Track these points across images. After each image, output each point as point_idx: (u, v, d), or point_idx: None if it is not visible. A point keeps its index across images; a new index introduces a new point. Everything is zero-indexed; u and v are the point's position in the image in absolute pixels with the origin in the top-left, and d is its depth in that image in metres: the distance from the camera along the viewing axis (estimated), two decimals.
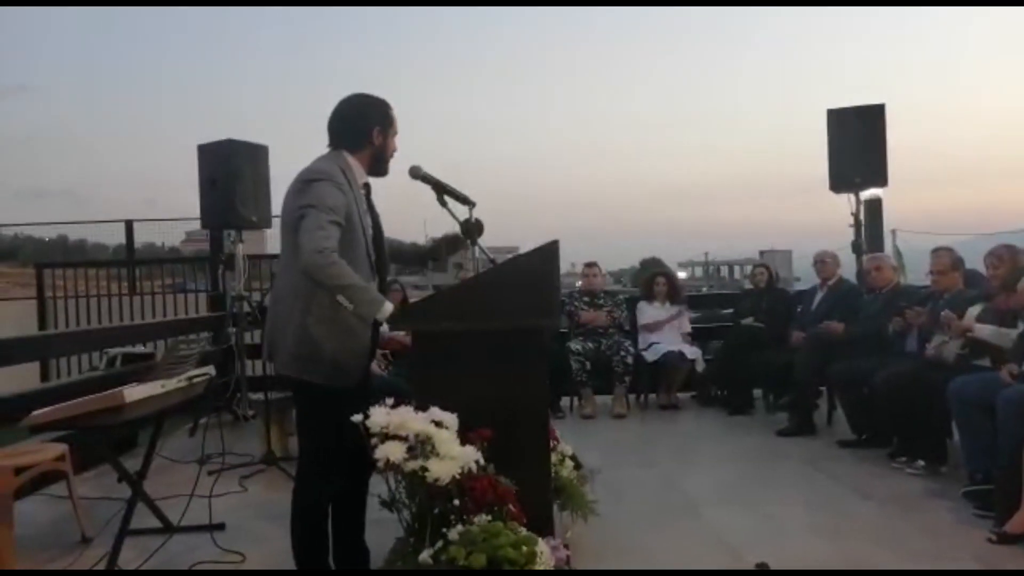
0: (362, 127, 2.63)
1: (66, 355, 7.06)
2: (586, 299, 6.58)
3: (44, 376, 7.53)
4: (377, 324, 2.55)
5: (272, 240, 9.87)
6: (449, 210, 2.77)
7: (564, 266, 2.69)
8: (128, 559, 3.02)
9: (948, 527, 3.40)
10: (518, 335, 2.41)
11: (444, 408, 2.22)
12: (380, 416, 2.08)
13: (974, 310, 4.16)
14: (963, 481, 3.76)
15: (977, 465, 3.67)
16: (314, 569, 2.62)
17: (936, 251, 4.72)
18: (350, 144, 2.64)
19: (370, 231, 2.66)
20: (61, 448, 3.50)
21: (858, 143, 6.03)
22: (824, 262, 5.81)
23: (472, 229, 2.78)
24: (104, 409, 2.81)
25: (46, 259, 12.46)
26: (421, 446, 2.05)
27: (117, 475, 3.87)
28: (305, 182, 2.49)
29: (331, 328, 2.50)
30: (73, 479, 3.55)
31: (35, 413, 2.80)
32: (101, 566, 2.90)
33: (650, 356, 6.27)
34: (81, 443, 3.81)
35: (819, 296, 5.79)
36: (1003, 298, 3.95)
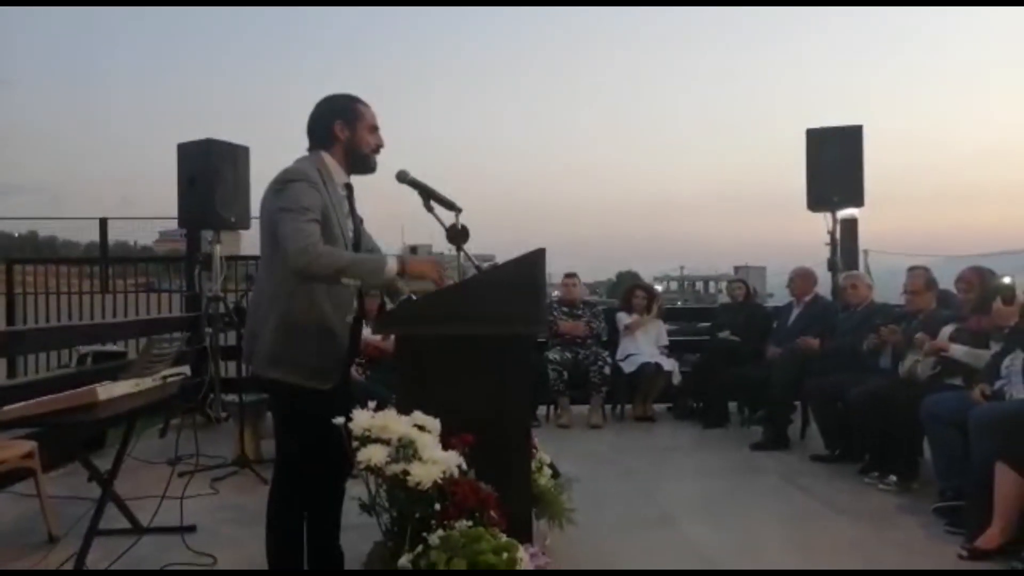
0: (325, 124, 2.62)
1: (37, 352, 6.92)
2: (565, 309, 6.60)
3: (11, 374, 7.37)
4: (359, 323, 2.53)
5: (248, 241, 9.78)
6: (435, 215, 2.76)
7: None
8: (96, 559, 2.96)
9: (920, 543, 3.44)
10: (503, 342, 2.41)
11: (425, 413, 2.21)
12: (363, 419, 2.06)
13: (947, 330, 4.22)
14: (934, 497, 3.80)
15: (948, 482, 3.72)
16: (290, 570, 2.58)
17: (912, 270, 4.80)
18: (321, 143, 2.63)
19: (350, 233, 2.63)
20: (30, 445, 3.43)
21: (836, 163, 6.13)
22: (794, 281, 5.88)
23: (458, 235, 2.77)
24: (77, 406, 2.75)
25: (16, 255, 12.23)
26: (403, 450, 2.03)
27: (87, 475, 3.80)
28: (280, 183, 2.49)
29: (308, 330, 2.48)
30: (41, 477, 3.47)
31: (5, 408, 2.74)
32: (68, 566, 2.84)
33: (627, 367, 6.28)
34: (50, 441, 3.73)
35: (795, 312, 5.86)
36: (975, 319, 4.03)
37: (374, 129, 2.67)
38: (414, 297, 2.59)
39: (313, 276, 2.41)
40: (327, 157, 2.62)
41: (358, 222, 2.75)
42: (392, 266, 2.44)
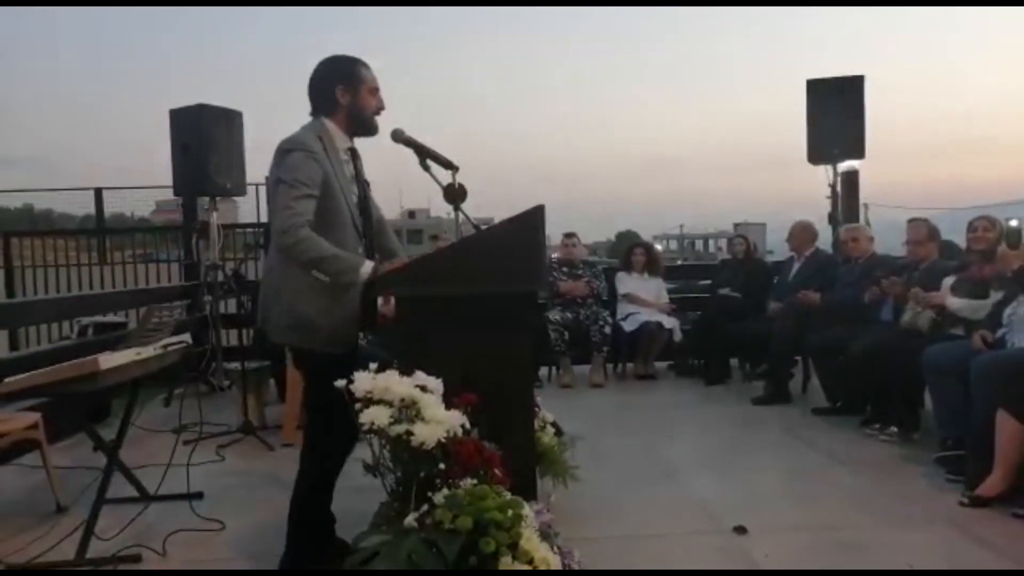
0: (327, 89, 2.61)
1: (37, 323, 6.91)
2: (564, 269, 6.58)
3: (13, 347, 7.38)
4: (370, 289, 2.54)
5: (246, 210, 9.72)
6: (432, 175, 2.73)
7: None
8: (105, 527, 2.98)
9: (921, 492, 3.47)
10: (504, 300, 2.39)
11: (428, 374, 2.20)
12: (364, 381, 2.06)
13: (948, 281, 4.21)
14: (935, 447, 3.83)
15: (949, 431, 3.74)
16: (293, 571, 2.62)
17: (913, 221, 4.77)
18: (323, 109, 2.62)
19: (354, 197, 2.64)
20: (34, 417, 3.44)
21: (836, 115, 6.07)
22: (798, 233, 5.85)
23: (455, 194, 2.74)
24: (79, 376, 2.74)
25: (12, 228, 12.17)
26: (406, 410, 2.03)
27: (92, 445, 3.83)
28: (280, 152, 2.50)
29: (319, 296, 2.51)
30: (47, 448, 3.49)
31: (7, 380, 2.74)
32: (77, 535, 2.85)
33: (628, 326, 6.29)
34: (55, 413, 3.74)
35: (796, 266, 5.84)
36: (977, 268, 4.01)
37: (375, 91, 2.66)
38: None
39: (290, 258, 2.44)
40: (329, 123, 2.61)
41: (364, 186, 2.74)
42: (365, 271, 2.44)
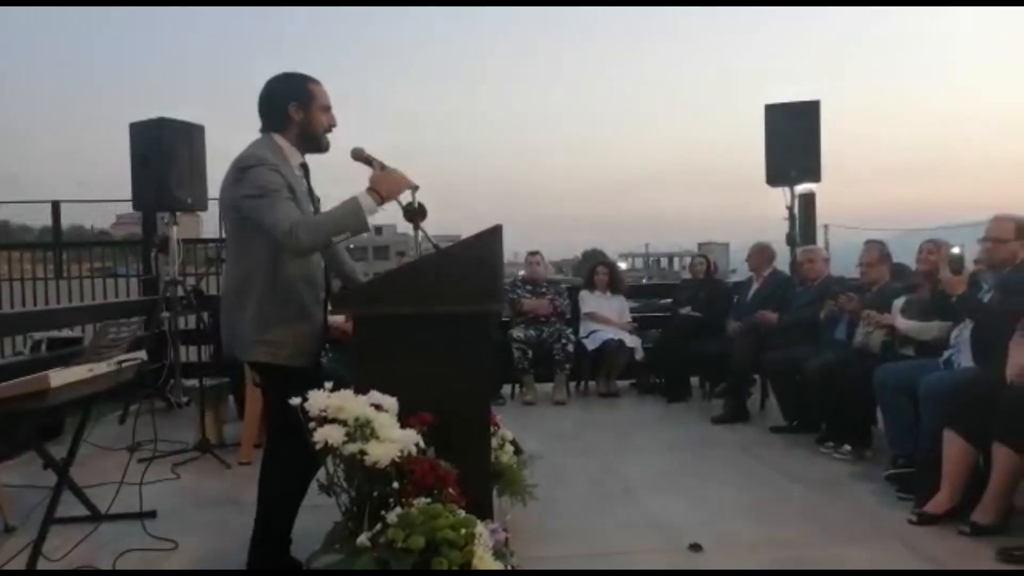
0: (279, 106, 2.59)
1: None
2: (528, 287, 6.61)
3: None
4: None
5: (207, 224, 9.60)
6: None
7: (506, 255, 2.69)
8: (54, 547, 2.91)
9: (872, 508, 3.54)
10: (461, 320, 2.41)
11: (384, 393, 2.21)
12: (319, 399, 2.05)
13: (899, 302, 4.32)
14: (886, 465, 3.91)
15: (900, 449, 3.83)
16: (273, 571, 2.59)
17: (867, 243, 4.90)
18: (275, 126, 2.61)
19: (311, 210, 2.63)
20: None
21: (794, 138, 6.20)
22: (755, 254, 5.95)
23: (415, 213, 2.75)
24: (28, 393, 2.67)
25: None
26: (360, 429, 2.03)
27: (42, 462, 3.73)
28: (240, 170, 2.47)
29: (286, 312, 2.51)
30: None
31: None
32: (25, 554, 2.78)
33: (591, 344, 6.33)
34: (4, 430, 3.64)
35: (754, 287, 5.94)
36: (926, 289, 4.11)
37: (327, 109, 2.65)
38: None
39: (312, 250, 2.46)
40: (280, 139, 2.60)
41: (316, 201, 2.74)
42: (369, 203, 2.44)
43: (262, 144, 2.57)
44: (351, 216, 2.42)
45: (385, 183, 2.51)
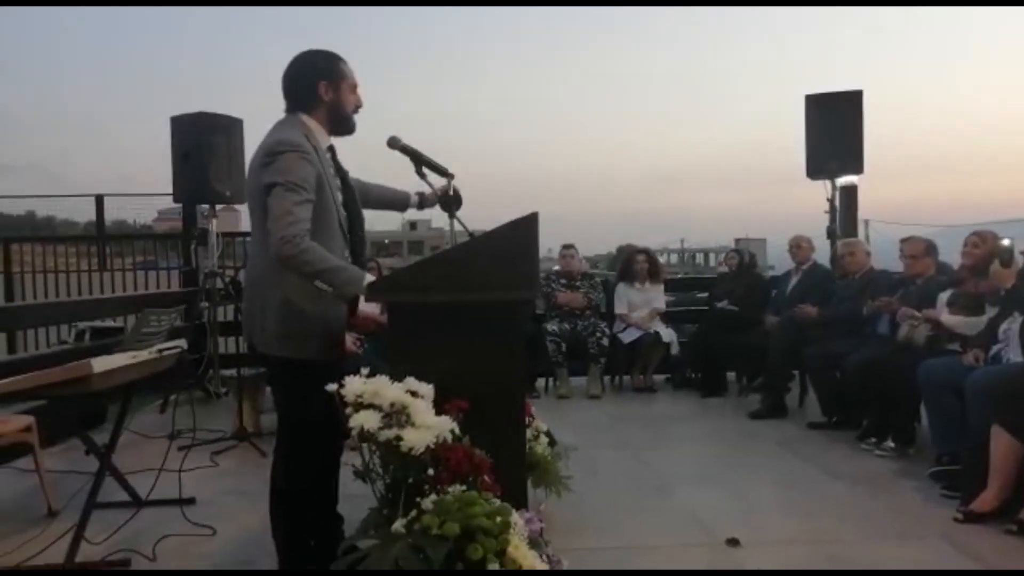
0: (308, 84, 2.50)
1: (34, 327, 6.92)
2: (563, 281, 6.58)
3: (11, 350, 7.38)
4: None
5: (246, 218, 9.71)
6: (428, 182, 2.73)
7: (541, 250, 2.65)
8: (95, 532, 2.97)
9: (915, 506, 3.46)
10: (496, 307, 2.38)
11: (419, 380, 2.19)
12: (355, 385, 2.05)
13: (944, 296, 4.21)
14: (930, 462, 3.83)
15: (944, 446, 3.74)
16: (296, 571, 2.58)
17: (909, 238, 4.79)
18: (303, 106, 2.51)
19: (339, 196, 2.56)
20: (28, 420, 3.44)
21: (835, 129, 6.08)
22: (799, 246, 5.86)
23: (450, 201, 2.75)
24: (71, 379, 2.73)
25: (13, 235, 12.20)
26: (396, 415, 2.03)
27: (85, 448, 3.82)
28: (269, 154, 2.37)
29: (316, 302, 2.43)
30: (39, 452, 3.48)
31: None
32: (67, 539, 2.84)
33: (626, 337, 6.29)
34: (48, 416, 3.74)
35: (793, 280, 5.85)
36: (972, 283, 4.01)
37: (355, 88, 2.57)
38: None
39: (291, 269, 2.32)
40: (309, 120, 2.51)
41: (345, 176, 2.65)
42: (361, 287, 2.35)
43: (292, 125, 2.48)
44: (350, 278, 2.33)
45: (362, 320, 2.50)
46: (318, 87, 2.49)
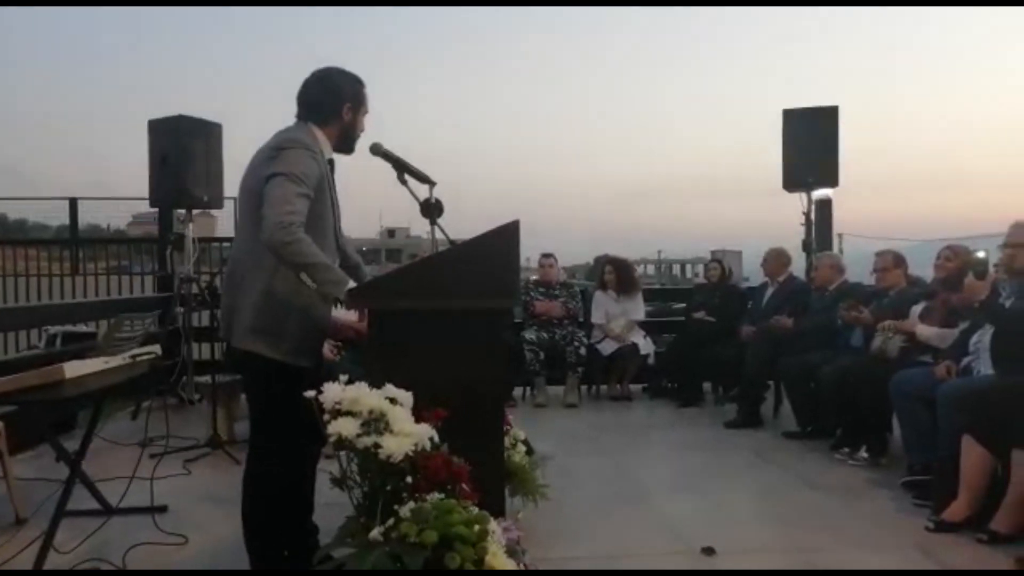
0: (334, 103, 2.59)
1: (4, 331, 6.79)
2: (542, 290, 6.58)
3: None
4: (335, 302, 2.51)
5: (223, 223, 9.64)
6: (409, 189, 2.74)
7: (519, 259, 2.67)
8: (64, 540, 2.92)
9: (888, 515, 3.49)
10: (476, 315, 2.39)
11: (398, 387, 2.18)
12: (334, 391, 2.03)
13: (917, 308, 4.28)
14: (903, 472, 3.87)
15: (916, 456, 3.78)
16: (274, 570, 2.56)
17: (880, 252, 4.88)
18: (319, 118, 2.58)
19: (338, 207, 2.63)
20: None
21: (811, 143, 6.15)
22: (772, 259, 5.91)
23: (432, 209, 2.75)
24: (43, 384, 2.68)
25: None
26: (374, 423, 2.01)
27: (55, 455, 3.75)
28: (277, 149, 2.41)
29: (293, 302, 2.44)
30: (8, 459, 3.42)
31: None
32: (35, 547, 2.78)
33: (604, 348, 6.31)
34: (18, 422, 3.67)
35: (769, 292, 5.90)
36: (944, 296, 4.07)
37: (366, 115, 2.69)
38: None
39: (280, 257, 2.33)
40: (319, 131, 2.58)
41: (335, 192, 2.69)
42: (341, 289, 2.38)
43: (302, 130, 2.55)
44: (336, 280, 2.37)
45: (340, 328, 2.73)
46: (343, 108, 2.60)
